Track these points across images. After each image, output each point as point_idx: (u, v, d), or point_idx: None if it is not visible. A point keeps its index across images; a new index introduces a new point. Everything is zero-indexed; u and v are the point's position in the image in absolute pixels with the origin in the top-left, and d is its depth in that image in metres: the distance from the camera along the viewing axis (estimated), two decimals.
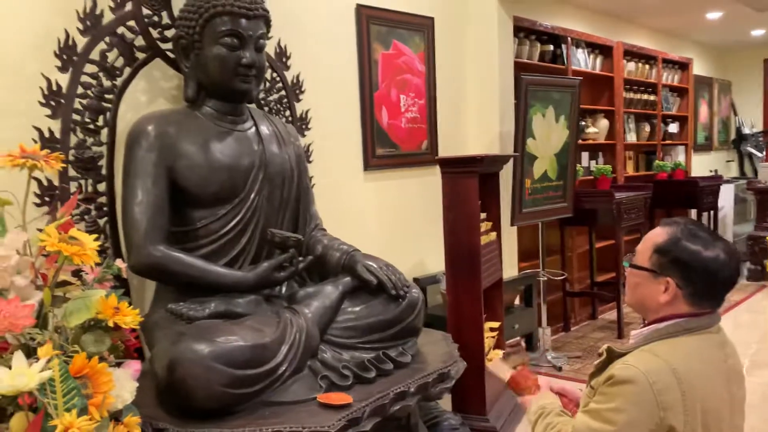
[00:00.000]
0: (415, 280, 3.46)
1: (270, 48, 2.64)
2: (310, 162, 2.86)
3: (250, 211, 2.20)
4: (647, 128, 5.83)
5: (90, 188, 2.09)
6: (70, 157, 2.03)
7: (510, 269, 3.84)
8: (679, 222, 1.37)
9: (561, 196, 3.85)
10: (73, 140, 2.04)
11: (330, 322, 2.13)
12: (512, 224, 3.58)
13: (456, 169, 2.75)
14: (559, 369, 3.72)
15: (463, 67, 3.82)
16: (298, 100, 2.78)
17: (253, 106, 2.40)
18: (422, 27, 3.51)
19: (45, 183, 1.96)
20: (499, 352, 3.06)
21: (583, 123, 4.99)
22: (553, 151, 3.77)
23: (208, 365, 1.72)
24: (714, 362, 1.29)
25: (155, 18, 2.23)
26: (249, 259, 2.20)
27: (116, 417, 1.52)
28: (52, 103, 1.97)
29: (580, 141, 4.96)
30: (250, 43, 2.15)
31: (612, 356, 1.33)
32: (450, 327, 2.81)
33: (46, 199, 1.96)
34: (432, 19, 3.57)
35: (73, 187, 2.04)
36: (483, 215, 3.03)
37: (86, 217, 2.08)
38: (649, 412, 1.19)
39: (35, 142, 1.94)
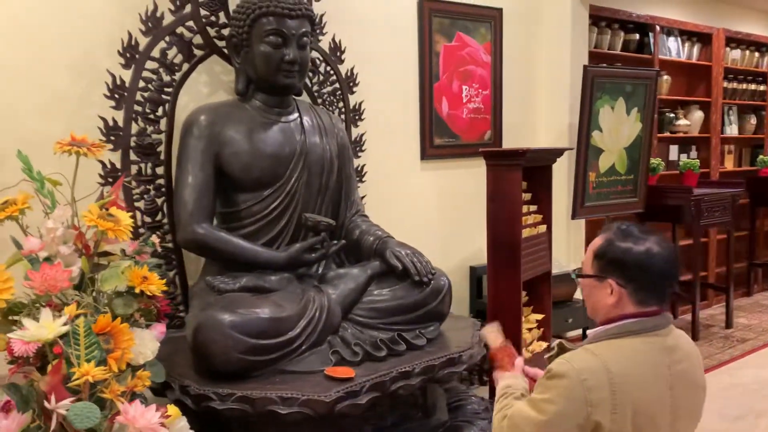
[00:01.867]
0: (471, 269, 3.54)
1: (324, 43, 2.82)
2: (363, 151, 3.01)
3: (289, 196, 2.39)
4: (753, 120, 5.44)
5: (149, 171, 2.37)
6: (132, 144, 2.31)
7: (574, 263, 3.80)
8: (613, 226, 1.41)
9: (631, 191, 3.75)
10: (135, 129, 2.31)
11: (355, 303, 2.29)
12: (573, 218, 3.55)
13: (499, 161, 2.80)
14: None
15: (533, 58, 3.80)
16: (352, 92, 2.93)
17: (301, 98, 2.58)
18: (489, 18, 3.54)
19: (108, 166, 2.26)
20: (542, 344, 3.09)
21: (672, 115, 4.76)
22: (623, 145, 3.67)
23: (227, 333, 1.93)
24: (654, 366, 1.31)
25: (212, 18, 2.46)
26: (287, 240, 2.39)
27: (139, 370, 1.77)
28: (116, 96, 2.26)
29: (668, 134, 4.77)
30: (293, 41, 2.32)
31: (562, 351, 1.38)
32: (489, 315, 2.88)
33: (109, 179, 2.25)
34: (500, 10, 3.58)
35: (133, 169, 2.32)
36: (533, 208, 3.06)
37: (145, 196, 2.36)
38: (578, 407, 1.24)
39: (101, 130, 2.23)
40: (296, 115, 2.48)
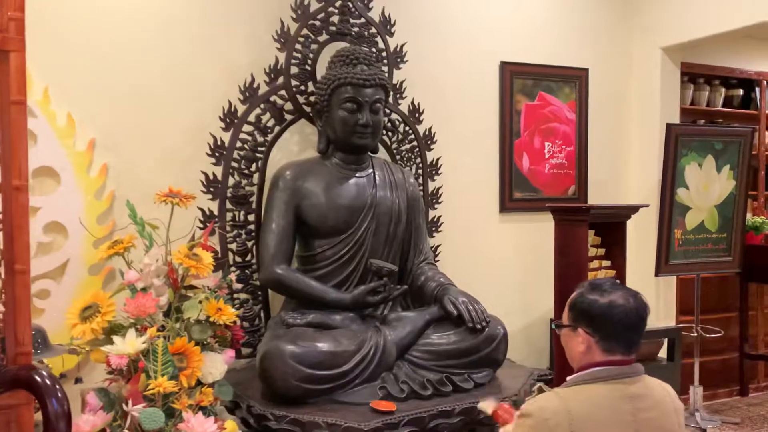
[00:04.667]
0: (552, 321, 3.60)
1: (404, 106, 3.11)
2: (439, 203, 3.24)
3: (359, 243, 2.66)
4: None
5: (242, 218, 2.75)
6: (228, 194, 2.70)
7: (665, 321, 3.73)
8: (588, 281, 1.55)
9: (724, 250, 3.64)
10: (231, 182, 2.71)
11: (411, 344, 2.49)
12: (656, 275, 3.51)
13: (566, 216, 2.90)
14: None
15: (621, 115, 3.86)
16: (429, 149, 3.18)
17: (378, 155, 2.87)
18: (573, 78, 3.67)
19: (207, 212, 2.66)
20: None
21: None
22: (714, 203, 3.60)
23: (287, 362, 2.21)
24: (615, 411, 1.40)
25: (302, 87, 2.83)
26: (355, 282, 2.65)
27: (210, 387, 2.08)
28: (217, 154, 2.67)
29: None
30: (366, 107, 2.63)
31: (540, 393, 1.51)
32: (556, 367, 2.95)
33: (207, 224, 2.65)
34: (586, 70, 3.70)
35: (228, 216, 2.71)
36: (606, 263, 3.11)
37: (237, 239, 2.74)
38: None
39: (202, 183, 2.65)
40: (370, 171, 2.76)
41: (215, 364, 2.08)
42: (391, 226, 2.72)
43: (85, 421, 1.76)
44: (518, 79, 3.52)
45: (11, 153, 1.47)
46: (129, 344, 1.82)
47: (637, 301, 1.48)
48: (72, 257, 2.55)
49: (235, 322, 2.21)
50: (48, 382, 1.41)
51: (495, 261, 3.48)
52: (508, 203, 3.53)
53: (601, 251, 3.07)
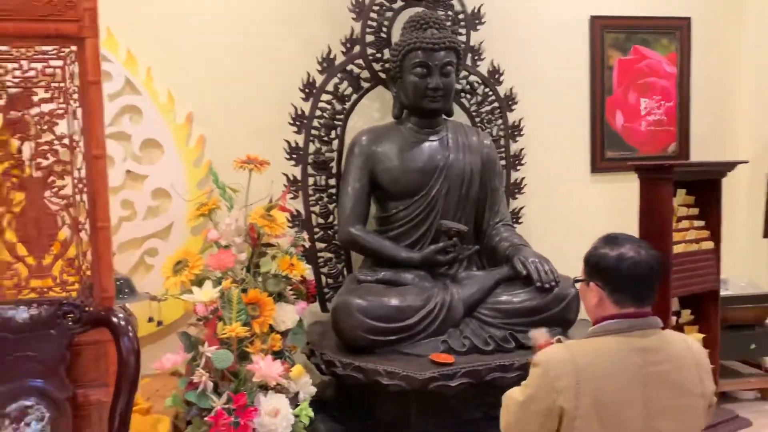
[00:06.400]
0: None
1: (483, 68, 3.12)
2: (522, 165, 3.22)
3: (431, 205, 2.74)
4: None
5: (323, 182, 2.93)
6: (309, 161, 2.89)
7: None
8: (605, 235, 1.53)
9: None
10: (312, 149, 2.89)
11: (479, 302, 2.56)
12: (765, 236, 3.27)
13: (650, 175, 2.79)
14: None
15: (730, 66, 3.57)
16: (511, 110, 3.17)
17: (452, 119, 2.91)
18: (673, 29, 3.45)
19: (291, 178, 2.87)
20: None
21: None
22: None
23: (355, 315, 2.37)
24: (621, 362, 1.40)
25: (378, 55, 2.93)
26: (428, 242, 2.74)
27: (283, 335, 2.29)
28: (298, 123, 2.85)
29: None
30: (436, 71, 2.68)
31: None
32: None
33: (292, 188, 2.86)
34: (688, 19, 3.46)
35: (310, 181, 2.90)
36: (699, 223, 2.95)
37: (319, 202, 2.92)
38: (546, 392, 1.41)
39: (286, 150, 2.85)
40: (443, 134, 2.82)
41: (287, 314, 2.29)
42: (464, 188, 2.78)
43: (168, 359, 2.03)
44: (610, 33, 3.38)
45: (90, 126, 1.72)
46: (204, 293, 2.06)
47: (649, 254, 1.46)
48: (176, 219, 2.87)
49: (305, 278, 2.41)
50: (122, 323, 1.67)
51: (584, 223, 3.38)
52: (600, 163, 3.43)
53: (694, 211, 2.91)
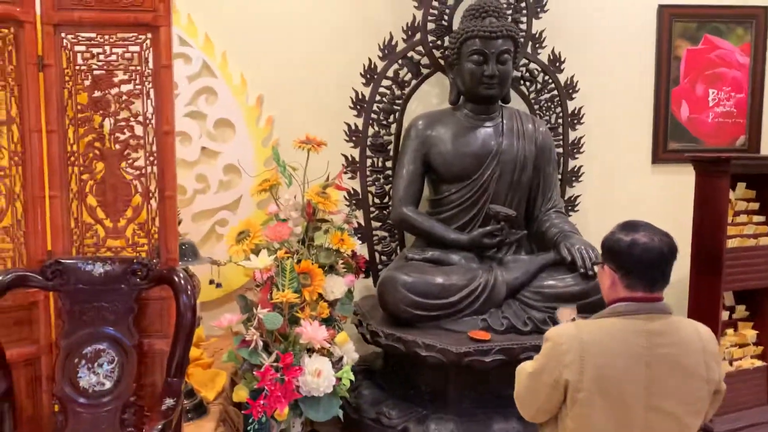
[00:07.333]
0: None
1: (544, 56, 3.15)
2: (580, 153, 3.24)
3: (482, 189, 2.83)
4: None
5: (380, 164, 3.07)
6: (368, 143, 3.03)
7: None
8: (624, 221, 1.54)
9: None
10: (371, 132, 3.03)
11: (523, 285, 2.65)
12: None
13: (706, 167, 2.77)
14: None
15: None
16: (571, 98, 3.19)
17: (509, 106, 2.98)
18: (748, 18, 3.35)
19: (350, 158, 3.02)
20: (755, 362, 2.90)
21: None
22: None
23: (398, 289, 2.51)
24: (626, 343, 1.46)
25: (438, 42, 3.02)
26: (477, 225, 2.83)
27: (332, 304, 2.46)
28: (358, 107, 3.00)
29: None
30: (492, 59, 2.76)
31: None
32: None
33: (350, 169, 3.02)
34: (765, 8, 3.35)
35: (368, 162, 3.05)
36: (759, 218, 2.90)
37: (376, 183, 3.07)
38: (554, 365, 1.50)
39: (345, 133, 3.01)
40: (498, 120, 2.89)
41: (336, 285, 2.45)
42: (516, 173, 2.84)
43: (225, 318, 2.24)
44: (679, 23, 3.32)
45: (161, 104, 1.93)
46: (259, 261, 2.26)
47: (662, 241, 1.51)
48: (244, 193, 3.09)
49: (355, 252, 2.56)
50: (182, 281, 1.87)
51: (643, 214, 3.25)
52: (662, 154, 3.39)
53: (754, 206, 2.86)
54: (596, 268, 1.65)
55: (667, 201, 3.39)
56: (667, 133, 3.38)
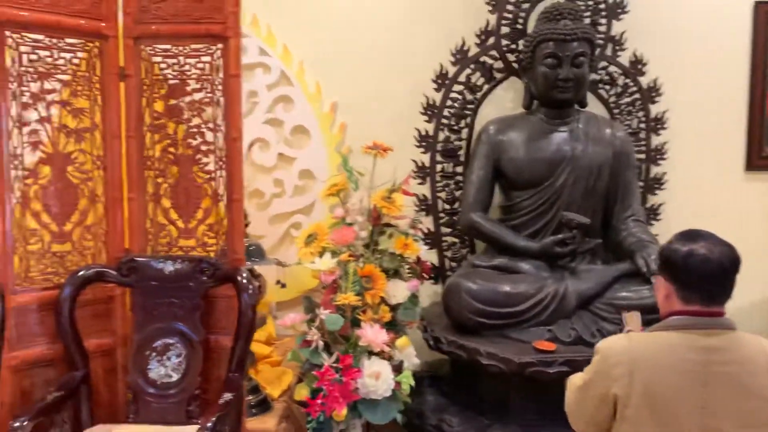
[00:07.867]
0: None
1: (624, 58, 3.03)
2: (664, 159, 3.10)
3: (554, 196, 2.76)
4: None
5: (450, 169, 3.06)
6: (438, 148, 3.03)
7: None
8: (685, 230, 1.47)
9: None
10: (441, 137, 3.03)
11: (595, 296, 2.56)
12: None
13: None
14: None
15: None
16: (654, 102, 3.05)
17: (587, 110, 2.89)
18: None
19: (420, 164, 3.04)
20: None
21: None
22: None
23: (463, 297, 2.50)
24: (680, 359, 1.37)
25: (512, 46, 2.98)
26: (549, 233, 2.75)
27: (394, 308, 2.48)
28: (429, 113, 3.01)
29: None
30: (567, 62, 2.69)
31: None
32: None
33: (420, 174, 3.03)
34: None
35: (438, 168, 3.04)
36: None
37: (446, 189, 3.06)
38: (602, 379, 1.43)
39: (416, 138, 3.02)
40: (574, 125, 2.81)
41: (399, 290, 2.46)
42: (591, 180, 2.75)
43: (289, 317, 2.31)
44: None
45: (230, 113, 2.02)
46: (323, 263, 2.31)
47: (723, 253, 1.41)
48: (318, 198, 3.17)
49: (420, 258, 2.57)
50: (245, 281, 1.96)
51: (734, 224, 3.12)
52: (757, 160, 3.17)
53: None
54: (656, 279, 1.57)
55: (763, 210, 3.17)
56: (763, 137, 3.16)
